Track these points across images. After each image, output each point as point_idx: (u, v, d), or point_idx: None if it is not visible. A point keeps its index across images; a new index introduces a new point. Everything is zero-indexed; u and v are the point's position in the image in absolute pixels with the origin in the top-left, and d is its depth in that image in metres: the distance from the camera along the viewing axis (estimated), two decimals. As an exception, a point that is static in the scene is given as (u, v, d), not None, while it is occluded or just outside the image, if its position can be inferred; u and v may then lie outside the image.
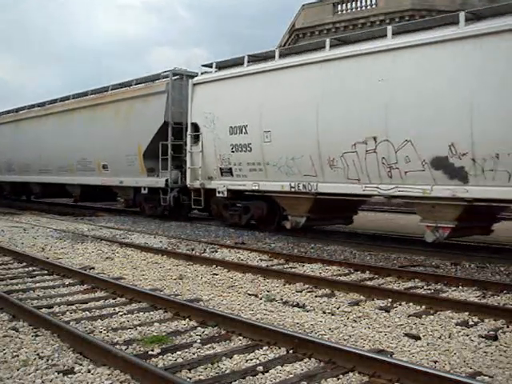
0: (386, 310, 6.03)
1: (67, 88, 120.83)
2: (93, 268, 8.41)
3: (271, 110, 11.90)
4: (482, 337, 5.02)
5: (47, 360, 4.29)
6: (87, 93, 18.46)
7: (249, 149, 12.37)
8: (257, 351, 4.54)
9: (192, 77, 14.38)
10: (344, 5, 32.38)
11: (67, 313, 5.76)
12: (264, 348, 4.60)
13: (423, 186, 9.57)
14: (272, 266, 8.84)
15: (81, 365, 4.18)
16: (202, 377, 4.02)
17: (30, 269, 8.30)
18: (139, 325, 5.32)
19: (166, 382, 3.67)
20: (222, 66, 13.78)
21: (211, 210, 14.51)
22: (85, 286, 7.08)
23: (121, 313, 5.75)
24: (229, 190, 13.11)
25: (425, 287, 7.28)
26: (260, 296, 6.68)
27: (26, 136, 21.48)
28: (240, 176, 12.82)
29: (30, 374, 3.99)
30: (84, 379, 3.92)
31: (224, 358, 4.38)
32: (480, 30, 8.96)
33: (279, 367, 4.18)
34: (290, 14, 35.01)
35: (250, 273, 8.05)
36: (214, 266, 8.65)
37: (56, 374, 3.99)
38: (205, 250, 10.40)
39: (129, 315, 5.68)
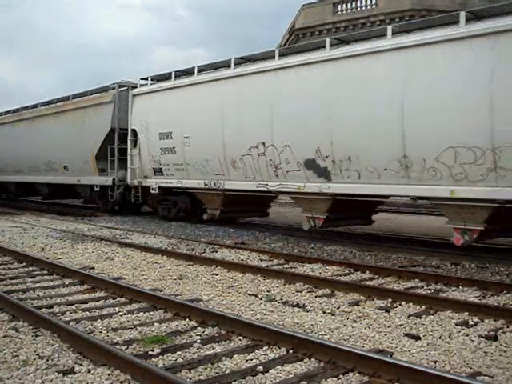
0: (386, 310, 6.03)
1: (67, 88, 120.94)
2: (93, 268, 8.41)
3: (190, 118, 14.07)
4: (482, 337, 5.02)
5: (47, 360, 4.29)
6: (53, 101, 20.38)
7: (174, 152, 14.53)
8: (257, 351, 4.54)
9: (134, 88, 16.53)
10: (344, 5, 32.39)
11: (67, 313, 5.76)
12: (264, 348, 4.60)
13: (299, 183, 11.58)
14: (272, 266, 8.85)
15: (81, 365, 4.18)
16: (202, 377, 4.02)
17: (30, 269, 8.31)
18: (139, 325, 5.32)
19: (166, 382, 3.67)
20: (156, 79, 15.89)
21: (148, 205, 16.83)
22: (85, 286, 7.08)
23: (121, 313, 5.75)
24: (160, 187, 15.25)
25: (425, 287, 7.28)
26: (260, 296, 6.68)
27: (2, 140, 23.60)
28: (168, 175, 14.98)
29: (29, 374, 3.99)
30: (84, 379, 3.93)
31: (224, 358, 4.38)
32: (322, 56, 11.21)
33: (279, 367, 4.18)
34: (292, 13, 34.92)
35: (249, 273, 8.05)
36: (214, 266, 8.65)
37: (56, 374, 4.00)
38: (205, 249, 10.40)
39: (129, 315, 5.68)
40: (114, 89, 16.96)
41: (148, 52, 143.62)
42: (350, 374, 4.05)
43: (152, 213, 17.09)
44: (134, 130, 15.90)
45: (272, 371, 4.11)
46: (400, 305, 6.25)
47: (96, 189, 17.75)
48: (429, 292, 7.01)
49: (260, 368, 4.14)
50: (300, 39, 34.12)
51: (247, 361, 4.35)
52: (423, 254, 9.82)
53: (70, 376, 3.97)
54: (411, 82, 9.65)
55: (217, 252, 10.18)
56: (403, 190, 10.17)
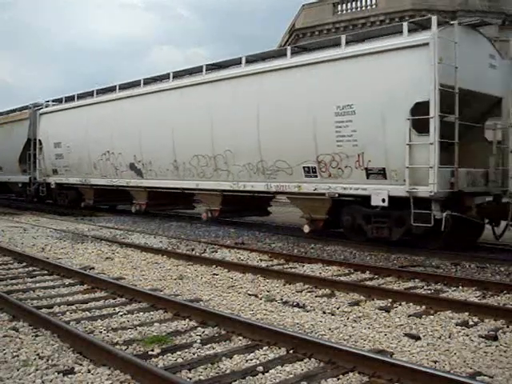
0: (386, 310, 6.03)
1: (68, 88, 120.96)
2: (93, 268, 8.41)
3: (70, 132, 18.73)
4: (482, 337, 5.02)
5: (47, 360, 4.29)
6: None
7: (62, 157, 19.40)
8: (257, 351, 4.54)
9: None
10: (344, 5, 32.34)
11: (67, 313, 5.76)
12: (264, 348, 4.60)
13: (127, 179, 16.43)
14: (272, 266, 8.85)
15: (81, 365, 4.18)
16: (202, 377, 4.02)
17: (30, 269, 8.31)
18: (139, 325, 5.32)
19: (166, 382, 3.67)
20: (59, 100, 20.46)
21: (51, 197, 21.26)
22: (85, 286, 7.08)
23: (121, 313, 5.75)
24: (56, 183, 20.16)
25: (425, 287, 7.28)
26: (260, 296, 6.68)
27: None
28: (61, 174, 19.80)
29: (30, 374, 3.99)
30: (84, 379, 3.93)
31: (224, 358, 4.38)
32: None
33: (279, 367, 4.18)
34: (293, 13, 34.77)
35: (249, 273, 8.05)
36: (214, 266, 8.65)
37: (56, 374, 4.00)
38: (205, 250, 10.40)
39: (129, 315, 5.68)
40: (30, 108, 21.98)
41: (149, 51, 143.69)
42: (350, 374, 4.05)
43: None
44: (40, 140, 20.59)
45: (272, 371, 4.11)
46: (400, 305, 6.25)
47: (19, 185, 22.90)
48: (429, 292, 7.01)
49: (260, 368, 4.14)
50: (300, 39, 34.08)
51: (247, 361, 4.35)
52: (423, 254, 9.82)
53: (69, 376, 3.97)
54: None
55: (217, 252, 10.18)
56: (176, 183, 14.73)
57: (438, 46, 9.31)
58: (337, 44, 11.04)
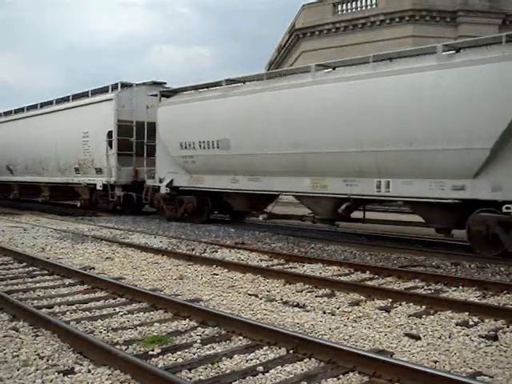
0: (386, 310, 6.03)
1: (68, 88, 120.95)
2: (93, 268, 8.42)
3: (25, 140, 23.24)
4: (482, 337, 5.02)
5: (47, 360, 4.29)
6: None
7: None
8: (257, 351, 4.54)
9: None
10: (344, 5, 32.32)
11: (67, 313, 5.76)
12: (264, 348, 4.60)
13: (13, 177, 24.42)
14: (272, 266, 8.85)
15: (81, 365, 4.18)
16: (202, 377, 4.02)
17: (31, 269, 8.31)
18: (139, 325, 5.32)
19: (166, 382, 3.67)
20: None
21: None
22: (85, 286, 7.08)
23: (121, 313, 5.75)
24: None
25: (425, 287, 7.28)
26: (260, 296, 6.68)
27: None
28: (12, 174, 24.95)
29: (30, 374, 3.99)
30: (84, 379, 3.92)
31: (224, 358, 4.38)
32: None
33: (279, 367, 4.18)
34: (295, 12, 34.71)
35: (250, 273, 8.05)
36: (214, 266, 8.65)
37: (56, 374, 3.99)
38: (205, 250, 10.41)
39: (129, 315, 5.68)
40: None
41: (149, 50, 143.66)
42: (350, 373, 4.05)
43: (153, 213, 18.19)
44: None
45: (272, 371, 4.11)
46: (400, 305, 6.25)
47: None
48: (429, 292, 7.01)
49: (260, 368, 4.13)
50: (300, 39, 34.11)
51: (247, 361, 4.35)
52: (423, 254, 9.83)
53: (70, 376, 3.97)
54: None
55: (217, 252, 10.18)
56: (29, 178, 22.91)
57: (117, 100, 17.50)
58: (85, 95, 19.63)
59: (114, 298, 6.45)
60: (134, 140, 16.92)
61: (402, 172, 10.34)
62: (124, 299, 6.36)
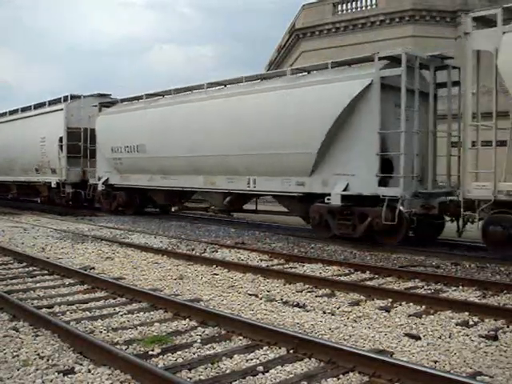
0: (386, 310, 6.03)
1: (69, 88, 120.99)
2: (93, 268, 8.41)
3: None
4: (482, 337, 5.02)
5: (47, 360, 4.29)
6: None
7: None
8: (257, 351, 4.54)
9: None
10: (344, 5, 32.33)
11: (67, 313, 5.76)
12: (264, 348, 4.60)
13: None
14: (272, 266, 8.85)
15: (81, 365, 4.18)
16: (202, 377, 4.02)
17: (31, 269, 8.31)
18: (139, 325, 5.32)
19: (166, 382, 3.67)
20: None
21: None
22: (85, 286, 7.08)
23: (121, 313, 5.75)
24: None
25: (425, 287, 7.28)
26: (260, 296, 6.68)
27: None
28: None
29: (30, 374, 3.99)
30: (84, 379, 3.92)
31: (224, 357, 4.38)
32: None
33: (279, 367, 4.18)
34: (295, 12, 34.63)
35: (250, 273, 8.05)
36: (215, 266, 8.65)
37: (56, 373, 4.00)
38: (205, 249, 10.41)
39: (129, 315, 5.68)
40: None
41: (150, 50, 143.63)
42: (351, 373, 4.05)
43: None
44: None
45: (272, 371, 4.11)
46: (400, 305, 6.25)
47: None
48: (429, 292, 7.01)
49: (260, 368, 4.13)
50: (300, 39, 34.11)
51: (247, 361, 4.35)
52: (423, 254, 9.82)
53: (70, 376, 3.97)
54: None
55: (217, 252, 10.18)
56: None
57: (66, 110, 20.08)
58: (43, 105, 22.03)
59: (114, 298, 6.45)
60: (82, 144, 19.85)
61: (264, 171, 12.93)
62: (124, 299, 6.36)
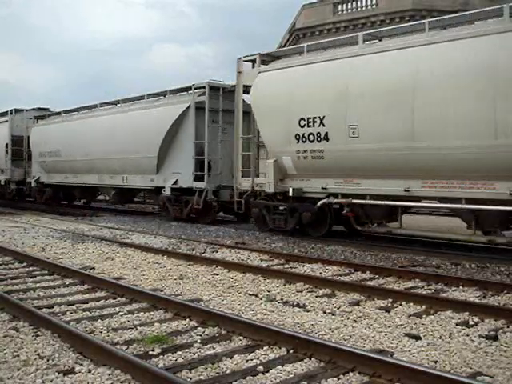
0: (387, 310, 6.03)
1: (69, 88, 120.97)
2: (93, 268, 8.42)
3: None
4: (483, 337, 5.02)
5: (48, 360, 4.29)
6: None
7: None
8: (257, 351, 4.54)
9: None
10: (344, 5, 32.33)
11: (68, 313, 5.76)
12: (264, 348, 4.60)
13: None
14: (272, 266, 8.85)
15: (81, 365, 4.18)
16: (202, 377, 4.02)
17: (31, 269, 8.31)
18: (140, 325, 5.32)
19: (166, 382, 3.67)
20: None
21: None
22: (85, 286, 7.08)
23: (121, 313, 5.75)
24: None
25: (425, 287, 7.28)
26: (260, 296, 6.68)
27: None
28: None
29: (30, 374, 3.99)
30: (84, 379, 3.93)
31: (224, 357, 4.38)
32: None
33: (280, 367, 4.18)
34: (296, 11, 34.69)
35: (250, 273, 8.05)
36: (215, 266, 8.65)
37: (56, 374, 4.00)
38: (205, 249, 10.41)
39: (129, 315, 5.68)
40: None
41: (150, 50, 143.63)
42: (351, 373, 4.05)
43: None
44: None
45: (272, 371, 4.11)
46: (400, 305, 6.25)
47: None
48: (429, 292, 7.01)
49: (260, 368, 4.13)
50: (300, 39, 34.09)
51: (247, 361, 4.35)
52: (423, 254, 9.82)
53: (70, 376, 3.97)
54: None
55: (217, 252, 10.18)
56: None
57: (10, 122, 24.18)
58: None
59: (115, 298, 6.45)
60: (24, 149, 24.50)
61: (130, 170, 17.42)
62: (124, 299, 6.36)
